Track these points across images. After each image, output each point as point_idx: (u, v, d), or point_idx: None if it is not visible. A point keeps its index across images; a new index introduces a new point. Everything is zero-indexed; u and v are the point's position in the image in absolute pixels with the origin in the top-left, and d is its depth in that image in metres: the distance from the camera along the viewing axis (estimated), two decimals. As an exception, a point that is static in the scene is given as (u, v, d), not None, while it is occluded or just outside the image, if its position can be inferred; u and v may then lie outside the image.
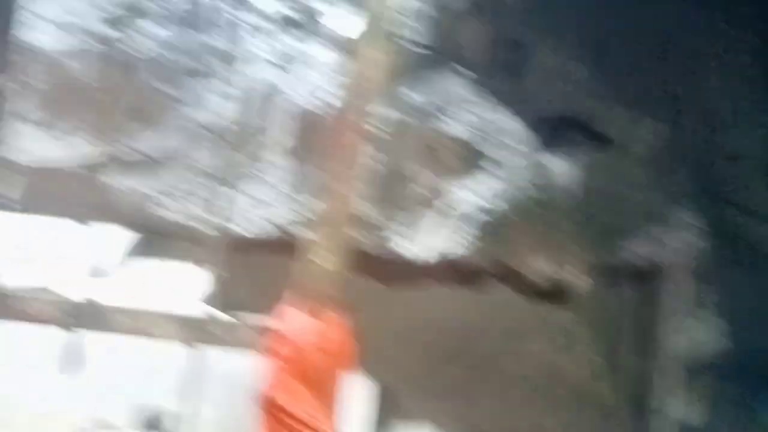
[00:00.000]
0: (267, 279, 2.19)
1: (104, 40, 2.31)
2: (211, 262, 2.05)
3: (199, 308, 0.94)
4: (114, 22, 2.34)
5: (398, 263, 2.17)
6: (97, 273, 1.68)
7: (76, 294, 0.87)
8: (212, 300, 1.74)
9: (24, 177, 1.75)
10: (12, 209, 1.11)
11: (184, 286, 1.87)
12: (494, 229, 2.27)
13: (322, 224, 0.82)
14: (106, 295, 0.95)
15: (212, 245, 2.05)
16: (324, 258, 0.81)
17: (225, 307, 1.78)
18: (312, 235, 0.85)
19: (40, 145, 2.11)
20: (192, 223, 2.14)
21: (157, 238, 2.21)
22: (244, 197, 2.21)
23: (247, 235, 2.20)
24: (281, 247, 2.22)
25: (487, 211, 2.26)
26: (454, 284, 2.37)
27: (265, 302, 1.27)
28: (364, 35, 0.81)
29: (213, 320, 0.88)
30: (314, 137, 2.19)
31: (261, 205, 2.24)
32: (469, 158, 2.31)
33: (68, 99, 2.22)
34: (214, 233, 2.05)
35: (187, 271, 2.05)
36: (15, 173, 1.65)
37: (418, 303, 2.32)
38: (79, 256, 1.63)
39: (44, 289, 1.15)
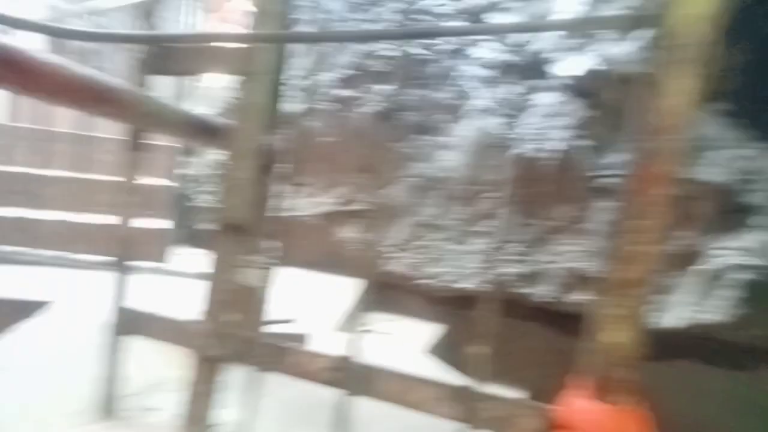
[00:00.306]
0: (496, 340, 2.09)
1: (339, 100, 2.53)
2: (439, 318, 2.02)
3: (460, 378, 0.85)
4: (347, 82, 2.55)
5: (646, 333, 1.89)
6: (340, 326, 1.73)
7: (330, 349, 0.84)
8: (445, 359, 1.68)
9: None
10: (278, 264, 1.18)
11: (417, 343, 1.83)
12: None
13: (616, 292, 0.67)
14: (355, 352, 0.93)
15: (439, 299, 2.03)
16: (617, 333, 0.66)
17: (455, 367, 1.71)
18: (602, 305, 0.70)
19: (287, 200, 2.33)
20: (419, 277, 2.16)
21: (387, 291, 2.25)
22: (469, 250, 2.17)
23: (473, 289, 2.13)
24: (509, 304, 2.11)
25: (758, 274, 1.86)
26: (712, 360, 1.98)
27: (504, 367, 1.16)
28: (664, 60, 0.66)
29: (476, 394, 0.78)
30: (542, 187, 2.07)
31: (485, 258, 2.17)
32: (733, 210, 1.95)
33: (308, 156, 2.46)
34: (441, 287, 2.03)
35: (417, 328, 2.03)
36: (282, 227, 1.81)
37: (667, 380, 1.98)
38: (323, 309, 1.68)
39: (305, 342, 1.18)
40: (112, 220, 2.11)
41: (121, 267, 0.91)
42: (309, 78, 2.63)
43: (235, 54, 0.90)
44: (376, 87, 2.49)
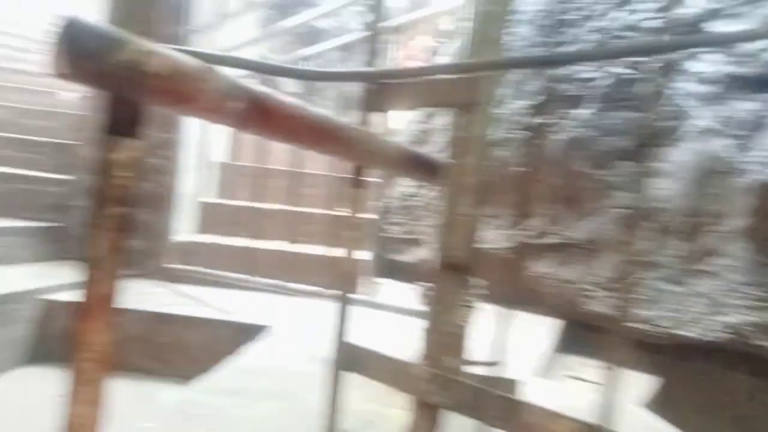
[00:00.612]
0: (717, 395, 1.78)
1: (531, 127, 2.42)
2: (653, 369, 1.78)
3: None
4: (539, 109, 2.44)
5: None
6: (540, 371, 1.60)
7: (568, 410, 0.74)
8: (665, 417, 1.45)
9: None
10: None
11: (629, 395, 1.62)
12: None
13: None
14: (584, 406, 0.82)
15: (653, 347, 1.79)
16: None
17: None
18: None
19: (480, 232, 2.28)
20: (628, 320, 1.92)
21: (589, 334, 2.06)
22: (691, 292, 1.89)
23: (694, 338, 1.84)
24: (737, 357, 1.78)
25: None
26: None
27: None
28: None
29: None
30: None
31: (711, 302, 1.86)
32: None
33: (498, 187, 2.39)
34: (655, 333, 1.78)
35: (627, 377, 1.80)
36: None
37: None
38: (520, 350, 1.57)
39: (516, 389, 1.09)
40: (322, 250, 2.27)
41: (342, 300, 0.92)
42: (499, 107, 2.58)
43: (452, 86, 0.88)
44: (573, 112, 2.33)
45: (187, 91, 0.59)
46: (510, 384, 0.96)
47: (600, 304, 2.08)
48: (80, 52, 0.52)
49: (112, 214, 0.59)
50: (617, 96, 2.28)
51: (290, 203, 2.26)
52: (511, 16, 0.93)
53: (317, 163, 2.66)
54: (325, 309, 2.23)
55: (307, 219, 2.50)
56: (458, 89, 0.86)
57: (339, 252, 2.17)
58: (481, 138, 0.84)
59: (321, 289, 2.13)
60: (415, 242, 2.74)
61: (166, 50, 0.58)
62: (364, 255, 2.29)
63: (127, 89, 0.59)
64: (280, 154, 2.63)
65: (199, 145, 2.61)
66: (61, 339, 1.96)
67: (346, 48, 2.21)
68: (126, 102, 0.63)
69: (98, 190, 0.60)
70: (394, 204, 2.83)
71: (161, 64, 0.56)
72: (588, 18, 2.40)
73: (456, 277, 0.82)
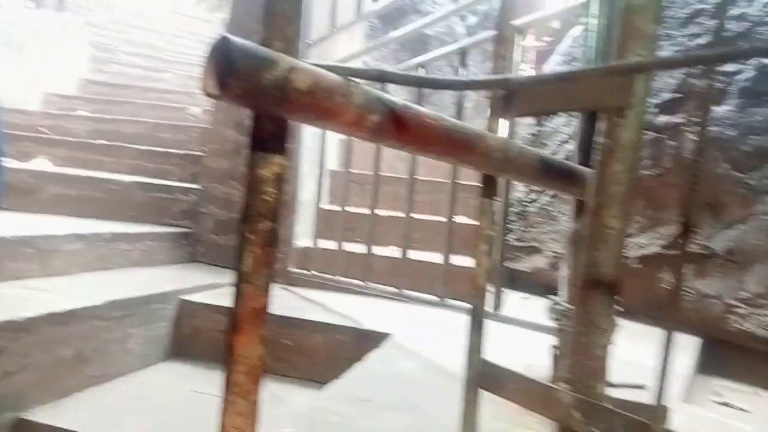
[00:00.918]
0: None
1: (660, 128, 2.23)
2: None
3: None
4: (669, 107, 2.24)
5: None
6: (682, 395, 1.46)
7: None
8: None
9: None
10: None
11: None
12: None
13: None
14: None
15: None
16: None
17: None
18: None
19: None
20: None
21: (736, 355, 1.86)
22: None
23: None
24: None
25: None
26: None
27: None
28: None
29: None
30: None
31: None
32: None
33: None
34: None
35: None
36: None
37: None
38: (657, 370, 1.43)
39: (669, 418, 0.99)
40: (438, 258, 2.25)
41: (474, 314, 0.88)
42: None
43: (597, 88, 0.81)
44: (712, 109, 2.11)
45: (332, 107, 0.59)
46: (661, 411, 0.87)
47: (747, 322, 1.85)
48: (232, 71, 0.52)
49: (260, 229, 0.60)
50: (763, 90, 2.04)
51: (404, 210, 2.26)
52: (663, 9, 0.85)
53: (431, 170, 2.64)
54: (445, 318, 2.22)
55: (422, 226, 2.49)
56: (604, 91, 0.80)
57: (459, 261, 2.11)
58: (633, 144, 0.77)
59: (438, 297, 2.10)
60: (533, 250, 2.63)
61: (311, 67, 0.58)
62: (487, 265, 2.23)
63: (275, 106, 0.60)
64: (392, 161, 2.65)
65: (315, 153, 2.70)
66: (196, 338, 2.10)
67: (458, 54, 2.18)
68: (271, 119, 0.64)
69: (247, 206, 0.61)
70: (510, 211, 2.74)
71: (308, 81, 0.56)
72: (726, 4, 2.17)
73: (602, 296, 0.76)
